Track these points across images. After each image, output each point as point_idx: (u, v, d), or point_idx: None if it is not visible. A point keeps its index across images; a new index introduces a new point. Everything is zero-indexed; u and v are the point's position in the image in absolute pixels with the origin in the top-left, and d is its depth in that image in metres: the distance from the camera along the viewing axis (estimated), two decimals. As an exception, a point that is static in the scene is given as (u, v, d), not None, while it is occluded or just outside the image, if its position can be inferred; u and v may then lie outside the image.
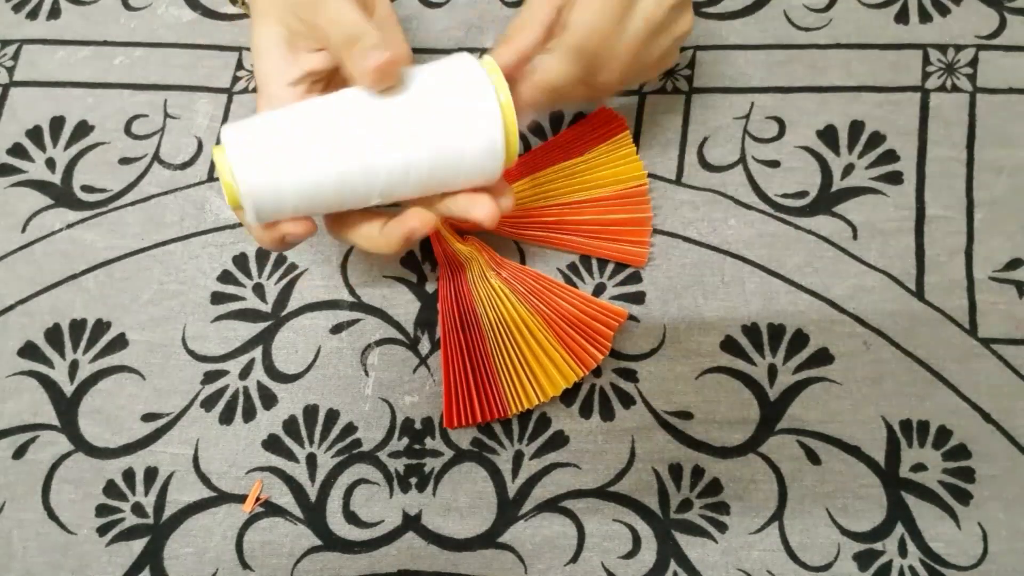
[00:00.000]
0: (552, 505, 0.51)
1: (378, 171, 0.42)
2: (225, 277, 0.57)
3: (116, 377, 0.55)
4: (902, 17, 0.59)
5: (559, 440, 0.52)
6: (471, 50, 0.61)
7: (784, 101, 0.58)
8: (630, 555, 0.50)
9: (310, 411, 0.54)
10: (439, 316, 0.54)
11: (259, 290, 0.56)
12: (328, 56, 0.46)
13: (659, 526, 0.51)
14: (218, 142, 0.47)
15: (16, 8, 0.66)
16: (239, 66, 0.63)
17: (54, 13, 0.65)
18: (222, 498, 0.53)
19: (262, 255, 0.57)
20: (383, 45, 0.42)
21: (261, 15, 0.47)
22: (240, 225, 0.58)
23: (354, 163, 0.42)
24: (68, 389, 0.56)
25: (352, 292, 0.56)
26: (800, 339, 0.53)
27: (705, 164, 0.57)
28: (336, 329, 0.55)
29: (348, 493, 0.52)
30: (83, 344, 0.56)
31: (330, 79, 0.47)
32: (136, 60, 0.63)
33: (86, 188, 0.60)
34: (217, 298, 0.57)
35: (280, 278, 0.57)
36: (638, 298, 0.55)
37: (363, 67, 0.42)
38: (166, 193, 0.59)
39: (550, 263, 0.56)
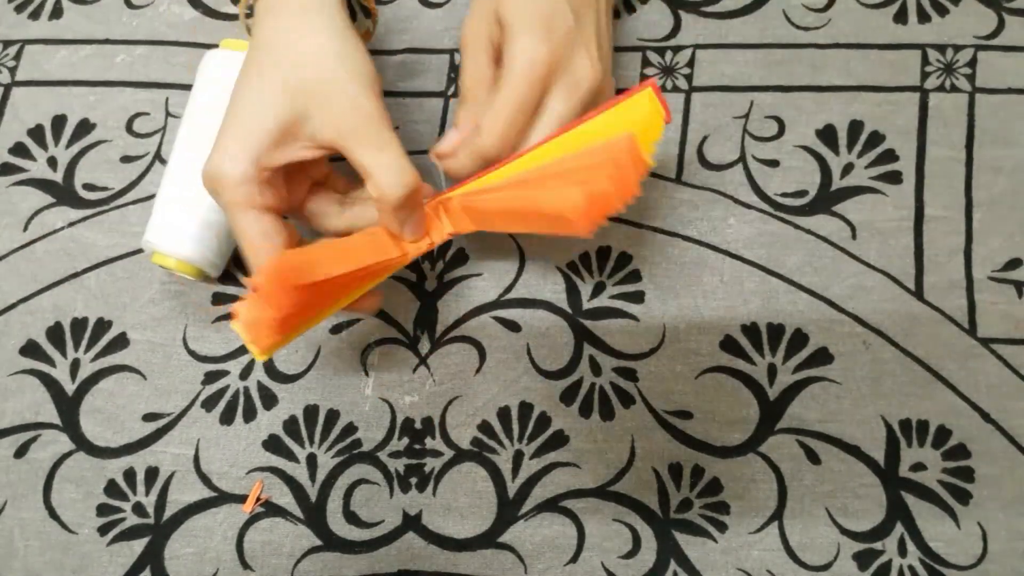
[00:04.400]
0: (552, 505, 0.49)
1: None
2: (226, 277, 0.54)
3: (117, 376, 0.53)
4: (901, 17, 0.57)
5: (559, 440, 0.50)
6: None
7: (784, 100, 0.56)
8: (630, 555, 0.48)
9: (310, 411, 0.52)
10: None
11: (259, 290, 0.54)
12: (312, 153, 0.44)
13: (659, 526, 0.49)
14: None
15: (18, 9, 0.63)
16: (240, 65, 0.60)
17: (56, 13, 0.63)
18: (223, 498, 0.50)
19: (262, 255, 0.55)
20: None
21: (261, 73, 0.43)
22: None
23: None
24: (69, 388, 0.53)
25: (352, 292, 0.54)
26: (799, 339, 0.51)
27: (705, 163, 0.55)
28: (336, 329, 0.53)
29: (348, 493, 0.50)
30: (84, 343, 0.54)
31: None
32: (138, 58, 0.61)
33: (88, 187, 0.57)
34: (218, 298, 0.54)
35: (280, 278, 0.54)
36: (637, 297, 0.52)
37: (407, 232, 0.45)
38: (167, 192, 0.57)
39: (550, 262, 0.53)
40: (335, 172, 0.49)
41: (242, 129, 0.43)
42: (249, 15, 0.47)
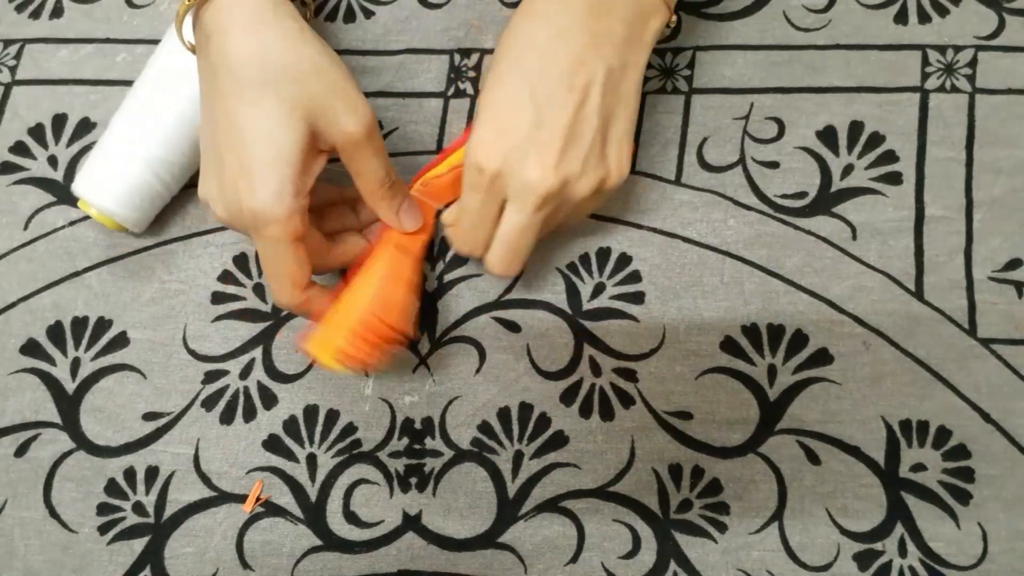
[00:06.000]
0: (552, 505, 0.49)
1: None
2: (225, 277, 0.54)
3: (117, 376, 0.53)
4: (901, 18, 0.56)
5: (559, 440, 0.50)
6: (469, 51, 0.57)
7: (783, 102, 0.55)
8: (630, 555, 0.48)
9: (310, 411, 0.51)
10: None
11: (259, 290, 0.53)
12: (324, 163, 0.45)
13: (659, 526, 0.48)
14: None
15: (19, 8, 0.63)
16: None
17: (57, 12, 0.62)
18: (222, 498, 0.50)
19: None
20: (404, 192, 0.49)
21: (263, 96, 0.42)
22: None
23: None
24: (70, 387, 0.53)
25: (352, 292, 0.53)
26: (799, 339, 0.50)
27: (704, 164, 0.54)
28: (336, 329, 0.52)
29: (348, 493, 0.49)
30: (85, 342, 0.54)
31: None
32: (138, 57, 0.60)
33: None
34: (218, 298, 0.54)
35: (280, 278, 0.54)
36: (638, 298, 0.52)
37: (396, 219, 0.48)
38: (168, 192, 0.56)
39: (549, 263, 0.53)
40: None
41: (272, 161, 0.42)
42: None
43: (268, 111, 0.42)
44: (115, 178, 0.51)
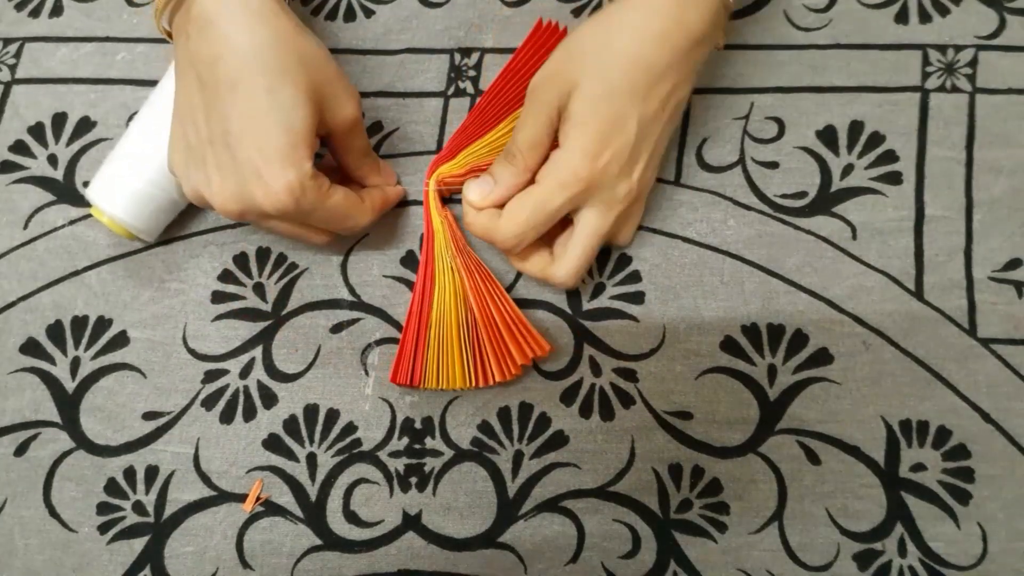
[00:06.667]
0: (552, 505, 0.48)
1: None
2: (226, 276, 0.54)
3: (117, 375, 0.53)
4: (902, 17, 0.56)
5: (559, 440, 0.50)
6: (469, 51, 0.57)
7: (783, 101, 0.55)
8: (630, 555, 0.48)
9: (310, 410, 0.51)
10: (417, 271, 0.52)
11: (259, 289, 0.53)
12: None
13: (659, 526, 0.48)
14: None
15: (19, 6, 0.62)
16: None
17: (56, 11, 0.62)
18: (222, 497, 0.50)
19: (262, 254, 0.54)
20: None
21: (280, 76, 0.43)
22: (241, 225, 0.55)
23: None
24: (70, 386, 0.53)
25: (352, 291, 0.53)
26: (799, 339, 0.50)
27: (704, 165, 0.54)
28: (336, 328, 0.52)
29: (348, 493, 0.49)
30: (84, 341, 0.54)
31: None
32: (138, 56, 0.60)
33: (88, 184, 0.56)
34: (218, 297, 0.53)
35: (280, 277, 0.53)
36: (637, 298, 0.52)
37: (380, 178, 0.53)
38: (167, 191, 0.56)
39: (550, 262, 0.53)
40: None
41: (288, 136, 0.44)
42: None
43: (285, 97, 0.43)
44: (131, 188, 0.51)
